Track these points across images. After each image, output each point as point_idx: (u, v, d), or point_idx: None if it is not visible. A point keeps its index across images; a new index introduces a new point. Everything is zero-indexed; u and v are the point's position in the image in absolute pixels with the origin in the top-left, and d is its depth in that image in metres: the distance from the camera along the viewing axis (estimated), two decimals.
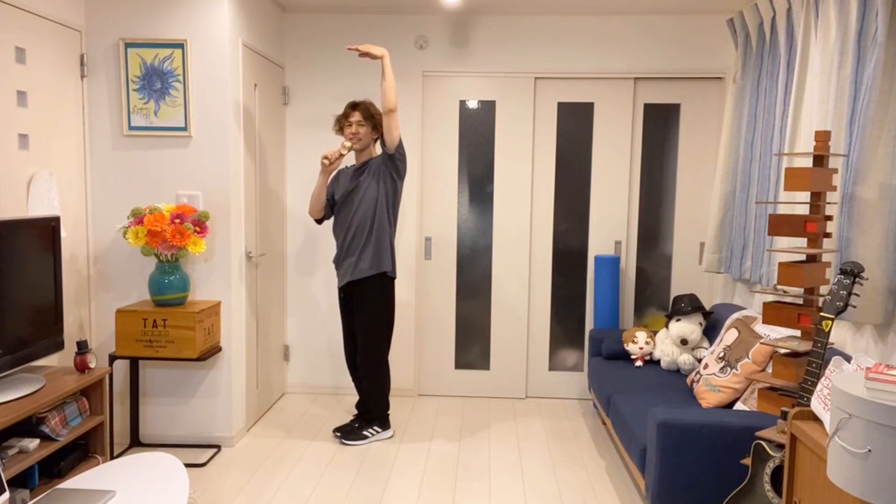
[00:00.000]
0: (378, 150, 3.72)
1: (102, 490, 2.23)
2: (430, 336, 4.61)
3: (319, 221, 3.84)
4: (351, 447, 3.69)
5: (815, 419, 2.12)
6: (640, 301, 4.57)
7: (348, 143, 3.62)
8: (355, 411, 4.21)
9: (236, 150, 3.63)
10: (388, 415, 3.84)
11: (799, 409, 2.13)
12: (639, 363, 3.93)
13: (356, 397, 4.54)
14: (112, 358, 3.33)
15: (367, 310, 3.65)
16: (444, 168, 4.51)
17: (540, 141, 4.48)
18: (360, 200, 3.62)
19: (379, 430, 3.80)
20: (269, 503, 3.04)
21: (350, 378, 4.58)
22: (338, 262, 3.73)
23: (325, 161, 3.61)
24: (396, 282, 4.52)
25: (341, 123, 3.69)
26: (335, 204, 3.75)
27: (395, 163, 3.60)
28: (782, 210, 3.29)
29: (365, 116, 3.63)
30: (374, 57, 3.51)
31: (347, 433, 3.75)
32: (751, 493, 2.33)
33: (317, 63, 4.44)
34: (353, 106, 3.65)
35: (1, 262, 2.55)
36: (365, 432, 3.77)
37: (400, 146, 3.59)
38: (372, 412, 3.79)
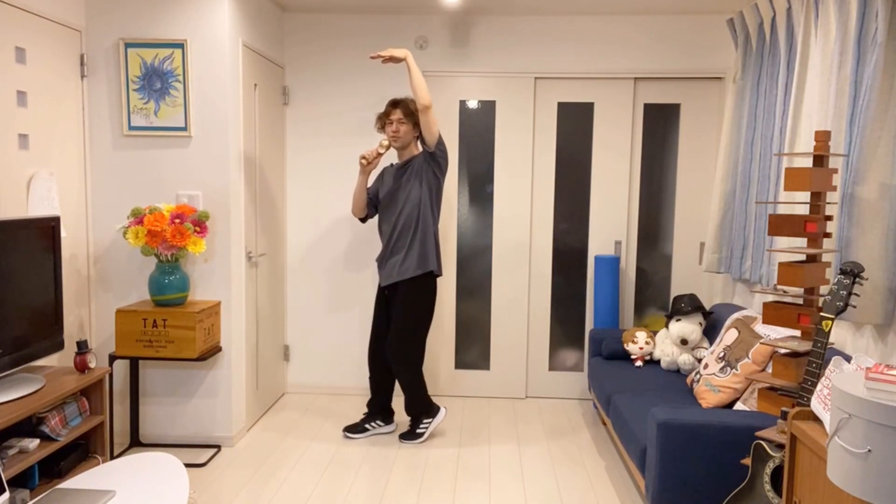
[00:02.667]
0: (420, 147, 3.70)
1: (102, 490, 2.23)
2: (430, 336, 4.61)
3: (363, 220, 3.84)
4: (354, 440, 3.70)
5: (815, 419, 2.12)
6: (640, 301, 4.57)
7: (386, 142, 3.60)
8: (354, 411, 4.22)
9: (236, 150, 3.63)
10: (432, 402, 3.81)
11: (799, 409, 2.13)
12: (639, 363, 3.93)
13: (356, 397, 4.54)
14: (112, 358, 3.33)
15: (409, 308, 3.64)
16: None
17: (540, 141, 4.48)
18: (405, 200, 3.61)
19: (428, 420, 3.78)
20: (269, 503, 3.05)
21: (367, 377, 4.59)
22: (381, 261, 3.72)
23: (364, 161, 3.60)
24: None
25: (383, 121, 3.67)
26: (379, 202, 3.75)
27: (436, 160, 3.60)
28: (782, 210, 3.29)
29: (406, 114, 3.60)
30: (397, 60, 3.52)
31: (408, 435, 3.77)
32: (751, 493, 2.33)
33: (317, 63, 4.44)
34: (394, 104, 3.64)
35: (1, 262, 2.55)
36: (418, 429, 3.78)
37: (440, 143, 3.59)
38: (417, 409, 3.77)
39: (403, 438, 3.78)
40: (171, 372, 3.64)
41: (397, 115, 3.61)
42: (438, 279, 4.56)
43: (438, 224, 3.69)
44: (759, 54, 3.69)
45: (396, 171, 3.69)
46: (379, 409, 3.88)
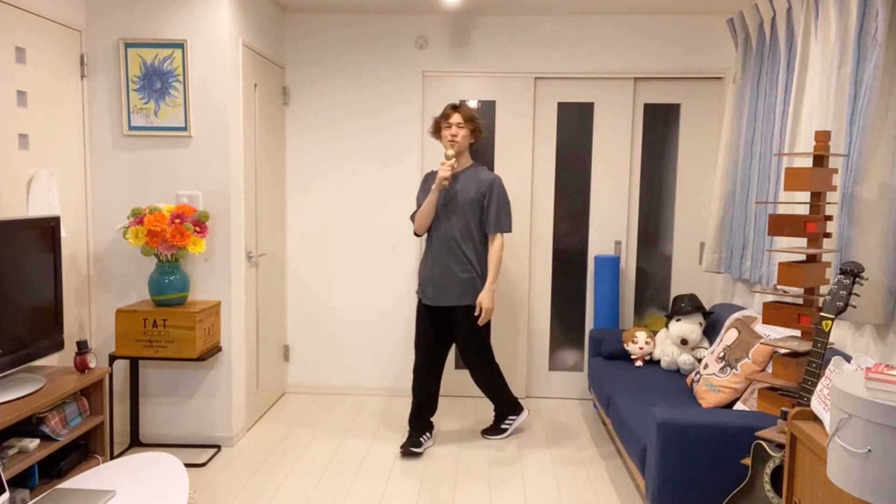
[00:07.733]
0: (472, 158, 3.65)
1: (102, 490, 2.23)
2: None
3: (420, 235, 3.69)
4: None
5: (815, 419, 2.12)
6: (640, 301, 4.57)
7: (451, 152, 3.48)
8: (353, 411, 4.23)
9: (236, 150, 3.63)
10: (516, 400, 3.87)
11: (799, 409, 2.13)
12: (639, 363, 3.93)
13: (356, 398, 4.54)
14: (112, 358, 3.33)
15: (475, 328, 3.61)
16: None
17: (540, 141, 4.48)
18: (459, 211, 3.55)
19: (514, 417, 3.87)
20: (269, 503, 3.05)
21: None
22: (429, 276, 3.63)
23: (446, 182, 3.48)
24: (390, 282, 4.52)
25: (439, 125, 3.59)
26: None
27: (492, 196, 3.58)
28: (782, 210, 3.29)
29: (465, 118, 3.54)
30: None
31: (489, 431, 3.88)
32: (751, 493, 2.33)
33: (317, 63, 4.44)
34: (454, 107, 3.57)
35: (1, 262, 2.55)
36: (503, 425, 3.86)
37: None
38: (503, 408, 3.85)
39: (486, 434, 3.86)
40: (171, 372, 3.64)
41: (456, 118, 3.53)
42: None
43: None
44: (759, 54, 3.69)
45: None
46: (423, 426, 3.69)
